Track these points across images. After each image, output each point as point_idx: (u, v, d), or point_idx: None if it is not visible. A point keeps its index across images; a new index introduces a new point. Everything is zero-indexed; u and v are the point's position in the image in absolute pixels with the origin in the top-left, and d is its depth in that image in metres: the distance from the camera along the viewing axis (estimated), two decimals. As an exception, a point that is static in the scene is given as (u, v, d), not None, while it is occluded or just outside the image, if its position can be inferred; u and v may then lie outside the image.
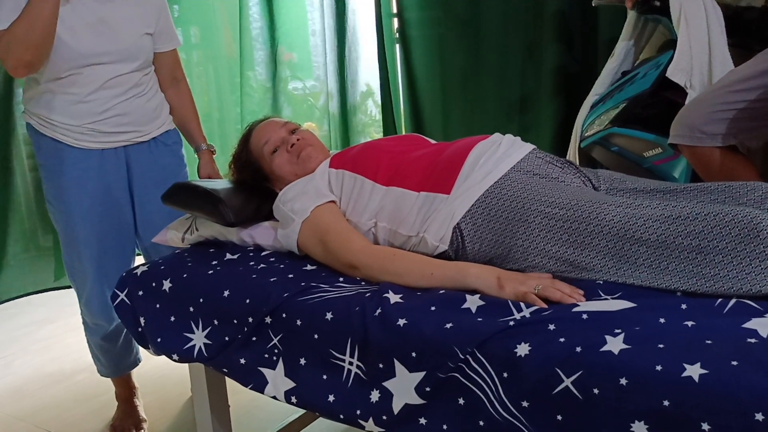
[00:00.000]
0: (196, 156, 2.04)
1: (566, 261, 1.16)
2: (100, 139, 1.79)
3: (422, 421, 1.06)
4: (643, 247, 1.09)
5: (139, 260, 1.86)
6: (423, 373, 1.05)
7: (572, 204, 1.16)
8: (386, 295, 1.16)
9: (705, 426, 0.81)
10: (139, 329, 1.47)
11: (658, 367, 0.86)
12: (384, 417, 1.09)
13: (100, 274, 1.84)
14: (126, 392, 2.08)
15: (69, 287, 2.58)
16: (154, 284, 1.46)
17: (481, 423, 1.00)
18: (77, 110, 1.74)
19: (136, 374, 2.11)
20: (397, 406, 1.07)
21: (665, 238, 1.06)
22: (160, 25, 1.86)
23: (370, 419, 1.11)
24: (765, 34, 1.90)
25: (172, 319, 1.41)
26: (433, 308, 1.10)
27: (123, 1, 1.77)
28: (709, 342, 0.89)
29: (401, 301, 1.15)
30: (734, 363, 0.83)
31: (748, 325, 0.93)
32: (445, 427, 1.03)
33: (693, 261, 1.05)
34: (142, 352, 2.01)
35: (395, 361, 1.08)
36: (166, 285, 1.43)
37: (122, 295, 1.50)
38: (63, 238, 1.86)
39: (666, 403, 0.83)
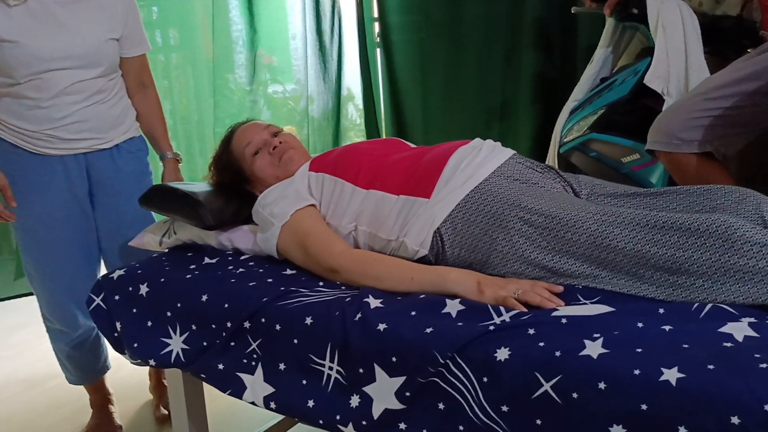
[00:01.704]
0: (161, 164, 2.00)
1: (545, 267, 1.17)
2: (59, 145, 1.74)
3: (402, 426, 1.05)
4: (620, 255, 1.10)
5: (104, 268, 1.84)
6: (403, 378, 1.05)
7: (551, 211, 1.17)
8: (366, 299, 1.16)
9: (682, 429, 0.81)
10: (115, 334, 1.45)
11: (636, 371, 0.86)
12: (364, 422, 1.08)
13: (62, 281, 1.80)
14: (100, 398, 2.05)
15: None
16: (130, 288, 1.44)
17: (461, 428, 1.00)
18: (35, 115, 1.69)
19: (111, 380, 2.08)
20: (377, 411, 1.07)
21: (641, 248, 1.07)
22: (128, 29, 1.81)
23: (350, 424, 1.10)
24: (740, 42, 1.94)
25: (149, 324, 1.39)
26: (413, 313, 1.10)
27: (86, 5, 1.72)
28: (686, 346, 0.90)
29: (381, 305, 1.15)
30: (711, 367, 0.84)
31: (724, 329, 0.94)
32: (425, 431, 1.03)
33: (668, 270, 1.06)
34: (116, 357, 1.98)
35: (375, 365, 1.08)
36: (143, 289, 1.41)
37: (98, 300, 1.48)
38: (22, 245, 1.82)
39: (644, 406, 0.84)
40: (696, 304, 1.02)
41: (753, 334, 0.92)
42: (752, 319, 0.96)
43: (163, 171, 1.98)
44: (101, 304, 1.47)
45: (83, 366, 1.98)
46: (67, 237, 1.79)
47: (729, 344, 0.90)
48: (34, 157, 1.74)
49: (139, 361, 1.41)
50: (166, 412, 2.04)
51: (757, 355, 0.86)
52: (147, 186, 1.84)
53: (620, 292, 1.10)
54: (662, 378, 0.84)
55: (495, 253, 1.21)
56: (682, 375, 0.84)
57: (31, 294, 2.55)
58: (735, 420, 0.78)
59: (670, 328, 0.96)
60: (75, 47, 1.69)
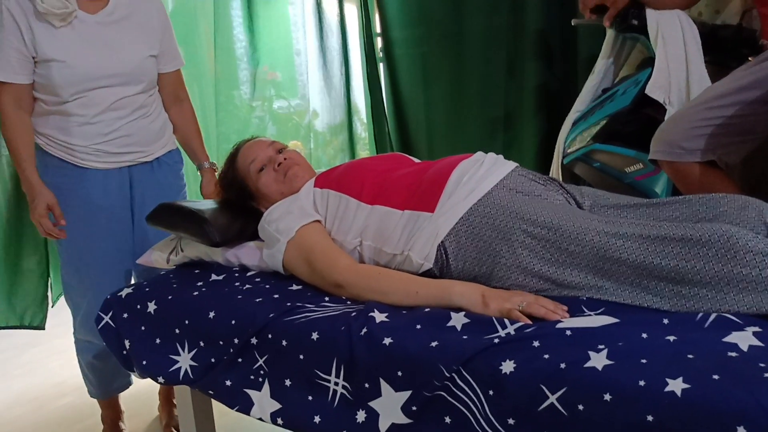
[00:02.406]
0: (198, 174, 2.04)
1: (549, 279, 1.17)
2: (106, 159, 1.80)
3: (409, 440, 1.06)
4: (623, 266, 1.10)
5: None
6: (409, 392, 1.05)
7: (554, 224, 1.18)
8: (372, 314, 1.16)
9: (688, 440, 0.81)
10: (124, 352, 1.46)
11: (642, 383, 0.87)
12: (371, 437, 1.09)
13: (99, 292, 1.81)
14: (112, 415, 2.06)
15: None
16: (138, 306, 1.45)
17: (468, 441, 1.00)
18: (84, 131, 1.76)
19: (122, 396, 2.09)
20: (383, 426, 1.07)
21: (644, 259, 1.08)
22: (164, 46, 1.88)
23: (357, 439, 1.10)
24: (740, 51, 1.94)
25: (158, 341, 1.40)
26: (418, 327, 1.11)
27: (127, 24, 1.79)
28: (690, 356, 0.90)
29: (387, 320, 1.15)
30: (716, 377, 0.84)
31: (728, 339, 0.94)
32: (432, 446, 1.03)
33: (672, 281, 1.06)
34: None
35: (381, 380, 1.08)
36: (151, 307, 1.43)
37: (107, 318, 1.49)
38: (64, 257, 1.87)
39: (650, 417, 0.84)
40: (700, 314, 1.03)
41: (758, 343, 0.92)
42: (757, 329, 0.96)
43: (201, 180, 2.03)
44: (110, 322, 1.49)
45: (107, 379, 2.00)
46: (106, 249, 1.83)
47: (734, 354, 0.90)
48: (79, 171, 1.79)
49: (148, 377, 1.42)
50: None
51: (762, 365, 0.86)
52: (183, 198, 1.93)
53: (624, 303, 1.10)
54: (667, 389, 0.84)
55: (499, 265, 1.22)
56: (687, 385, 0.84)
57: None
58: (741, 430, 0.79)
59: (675, 338, 0.96)
60: (119, 65, 1.75)
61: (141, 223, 1.87)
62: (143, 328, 1.43)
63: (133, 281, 1.90)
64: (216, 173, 2.04)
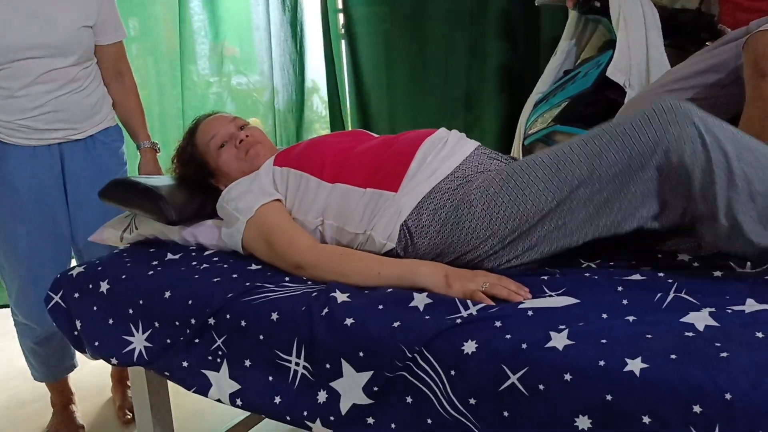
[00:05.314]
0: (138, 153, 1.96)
1: (510, 231, 1.17)
2: (32, 136, 1.71)
3: (370, 420, 1.05)
4: (576, 167, 1.13)
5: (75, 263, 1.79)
6: (371, 373, 1.04)
7: (507, 172, 1.20)
8: (333, 294, 1.15)
9: (646, 419, 0.83)
10: (75, 333, 1.42)
11: (601, 362, 0.87)
12: (331, 418, 1.08)
13: (31, 274, 1.76)
14: (62, 398, 2.00)
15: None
16: (90, 286, 1.40)
17: (429, 421, 1.00)
18: (7, 105, 1.66)
19: (72, 378, 2.04)
20: (344, 407, 1.06)
21: (592, 172, 1.11)
22: (102, 16, 1.78)
23: (318, 420, 1.09)
24: (699, 35, 1.97)
25: (111, 321, 1.36)
26: (380, 307, 1.10)
27: None
28: (649, 336, 0.91)
29: (348, 300, 1.14)
30: (673, 357, 0.86)
31: (685, 319, 0.96)
32: (393, 426, 1.03)
33: (619, 183, 1.10)
34: (79, 356, 1.94)
35: (342, 360, 1.07)
36: (104, 286, 1.38)
37: (57, 298, 1.44)
38: None
39: (609, 397, 0.85)
40: (659, 295, 1.04)
41: (714, 323, 0.94)
42: (713, 309, 0.98)
43: (140, 161, 1.94)
44: (60, 302, 1.43)
45: (48, 363, 1.93)
46: (36, 230, 1.75)
47: (691, 334, 0.92)
48: (4, 147, 1.70)
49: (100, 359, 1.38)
50: (130, 415, 2.00)
51: (718, 344, 0.88)
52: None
53: (584, 234, 1.14)
54: (626, 368, 0.85)
55: (462, 231, 1.21)
56: (645, 365, 0.85)
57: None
58: (697, 409, 0.80)
59: (634, 318, 0.97)
60: (47, 36, 1.65)
61: (78, 204, 1.81)
62: (95, 308, 1.39)
63: (74, 263, 1.83)
64: (158, 154, 1.97)
